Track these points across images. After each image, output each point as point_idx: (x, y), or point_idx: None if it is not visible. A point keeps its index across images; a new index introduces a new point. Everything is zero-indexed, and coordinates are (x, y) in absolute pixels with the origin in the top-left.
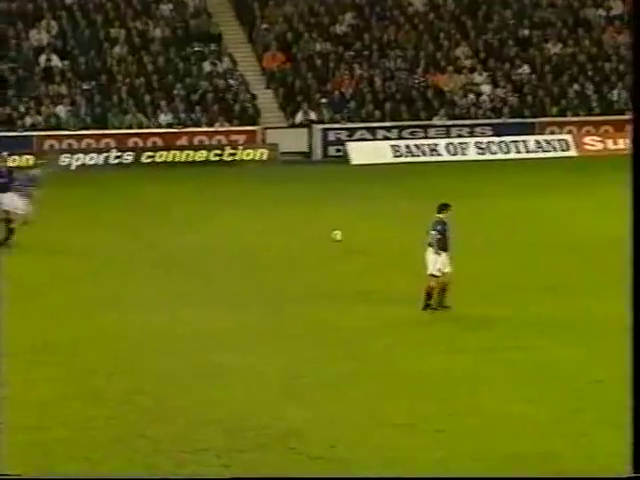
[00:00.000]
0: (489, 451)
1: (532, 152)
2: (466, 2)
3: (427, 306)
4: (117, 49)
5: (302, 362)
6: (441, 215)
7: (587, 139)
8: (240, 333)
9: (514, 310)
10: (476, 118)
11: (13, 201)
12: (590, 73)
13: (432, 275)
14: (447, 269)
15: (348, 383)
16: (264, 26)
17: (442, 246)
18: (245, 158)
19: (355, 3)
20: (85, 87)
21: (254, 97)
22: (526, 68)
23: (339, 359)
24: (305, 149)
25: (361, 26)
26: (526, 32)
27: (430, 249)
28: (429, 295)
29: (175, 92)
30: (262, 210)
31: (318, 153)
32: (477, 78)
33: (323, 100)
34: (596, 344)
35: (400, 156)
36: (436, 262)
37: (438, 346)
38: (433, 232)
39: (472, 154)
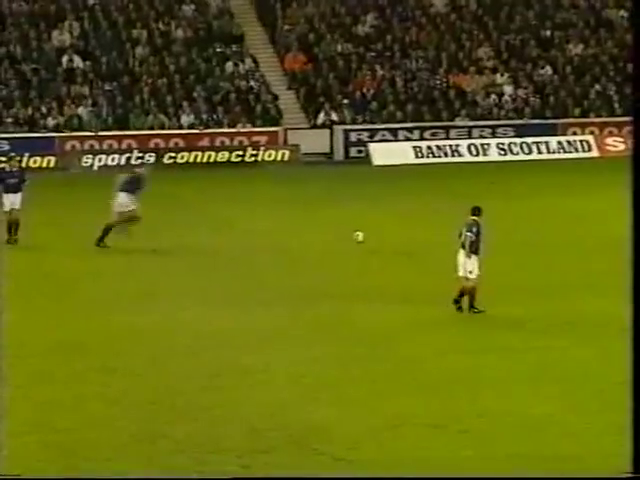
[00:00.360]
0: (511, 451)
1: (554, 153)
2: (488, 3)
3: (456, 302)
4: (139, 50)
5: (323, 361)
6: (476, 217)
7: (609, 140)
8: (261, 332)
9: (533, 310)
10: (498, 119)
11: (123, 201)
12: (612, 74)
13: (463, 277)
14: (475, 272)
15: (369, 383)
16: (286, 27)
17: (474, 249)
18: (267, 159)
19: (377, 4)
20: (107, 88)
21: (276, 98)
22: (548, 69)
23: (359, 359)
24: (327, 150)
25: (383, 27)
26: (548, 33)
27: (462, 251)
28: (462, 294)
29: (197, 93)
30: (283, 210)
31: (340, 154)
32: (499, 79)
33: (345, 101)
34: (617, 345)
35: (422, 157)
36: (466, 264)
37: (458, 346)
38: (469, 234)
39: (494, 155)
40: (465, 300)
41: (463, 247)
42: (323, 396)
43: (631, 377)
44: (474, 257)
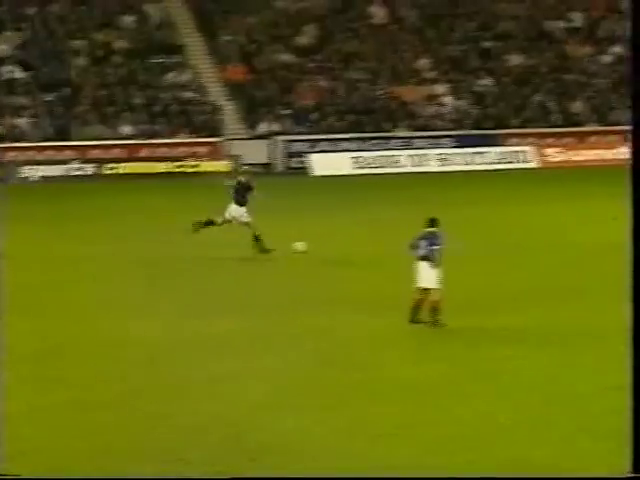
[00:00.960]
0: (465, 458)
1: (493, 163)
2: (428, 14)
3: (415, 320)
4: (79, 60)
5: (291, 371)
6: (434, 229)
7: (548, 151)
8: (224, 341)
9: (497, 319)
10: (438, 130)
11: (237, 210)
12: (552, 85)
13: (432, 289)
14: (439, 284)
15: (335, 391)
16: (226, 38)
17: (439, 261)
18: (207, 170)
19: (318, 15)
20: (47, 98)
21: (216, 108)
22: (488, 80)
23: (328, 368)
24: (267, 161)
25: (324, 38)
26: (488, 44)
27: (425, 263)
28: (418, 306)
29: (137, 103)
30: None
31: (280, 165)
32: (439, 90)
33: (285, 112)
34: (584, 353)
35: (362, 167)
36: (432, 276)
37: (419, 355)
38: (434, 247)
39: (434, 166)
40: (424, 312)
41: (425, 259)
42: (289, 405)
43: (631, 380)
44: (438, 269)
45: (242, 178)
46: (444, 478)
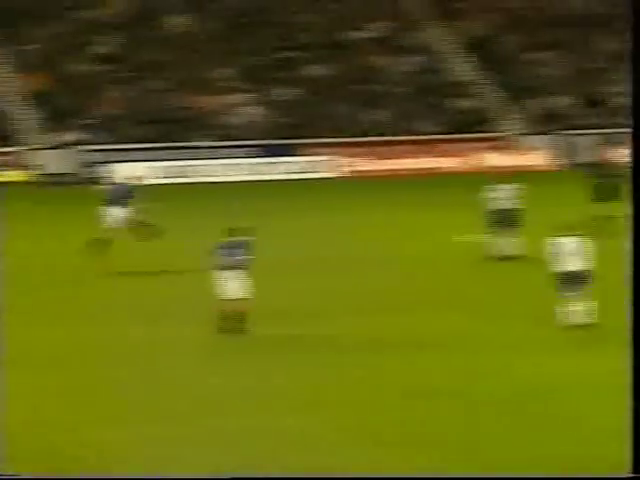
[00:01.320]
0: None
1: (296, 173)
2: (230, 24)
3: (243, 330)
4: None
5: (86, 385)
6: (246, 237)
7: (352, 160)
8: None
9: (307, 329)
10: (240, 139)
11: (119, 214)
12: (354, 94)
13: (240, 299)
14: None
15: (152, 405)
16: (27, 46)
17: (249, 270)
18: (5, 180)
19: (120, 24)
20: None
21: (15, 118)
22: (290, 90)
23: (129, 380)
24: (66, 170)
25: (125, 47)
26: (289, 54)
27: (233, 272)
28: (234, 316)
29: None
30: (23, 233)
31: (79, 174)
32: (241, 99)
33: (86, 121)
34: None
35: (165, 177)
36: (242, 286)
37: (227, 365)
38: (246, 256)
39: (237, 175)
40: (232, 321)
41: (234, 268)
42: (109, 417)
43: (631, 380)
44: (247, 278)
45: (125, 181)
46: (444, 478)
